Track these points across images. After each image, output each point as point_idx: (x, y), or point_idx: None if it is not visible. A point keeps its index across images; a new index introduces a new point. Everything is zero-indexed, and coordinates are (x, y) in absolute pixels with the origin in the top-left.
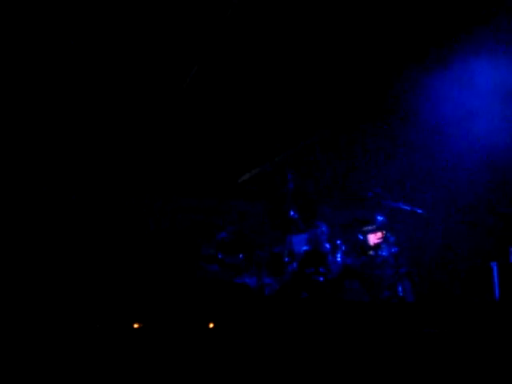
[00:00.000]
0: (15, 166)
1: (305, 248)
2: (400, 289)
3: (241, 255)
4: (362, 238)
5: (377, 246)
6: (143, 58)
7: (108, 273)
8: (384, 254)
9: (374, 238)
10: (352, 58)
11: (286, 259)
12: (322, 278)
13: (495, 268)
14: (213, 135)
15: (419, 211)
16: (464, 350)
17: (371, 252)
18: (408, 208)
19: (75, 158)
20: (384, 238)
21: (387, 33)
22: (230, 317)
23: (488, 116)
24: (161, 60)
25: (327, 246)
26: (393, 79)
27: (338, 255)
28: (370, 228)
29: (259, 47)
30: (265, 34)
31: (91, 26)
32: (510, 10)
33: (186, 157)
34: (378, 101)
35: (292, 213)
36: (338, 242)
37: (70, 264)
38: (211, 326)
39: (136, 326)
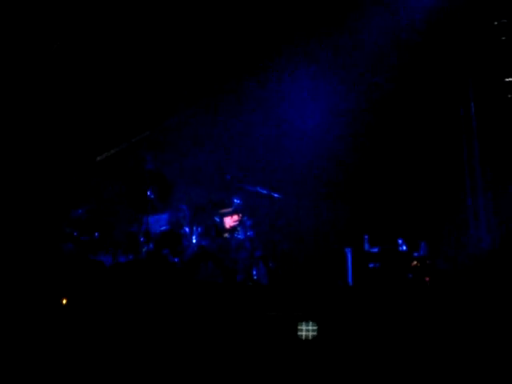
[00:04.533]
0: None
1: (162, 229)
2: (255, 272)
3: (96, 234)
4: (218, 220)
5: (233, 229)
6: None
7: None
8: (240, 237)
9: (230, 221)
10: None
11: (142, 239)
12: (177, 259)
13: (349, 254)
14: (72, 112)
15: (276, 195)
16: (320, 332)
17: (227, 235)
18: (265, 192)
19: None
20: (240, 222)
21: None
22: (86, 293)
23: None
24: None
25: (187, 228)
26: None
27: (194, 237)
28: (226, 211)
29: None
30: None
31: None
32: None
33: (44, 132)
34: (232, 86)
35: (149, 193)
36: (195, 223)
37: None
38: (64, 301)
39: None
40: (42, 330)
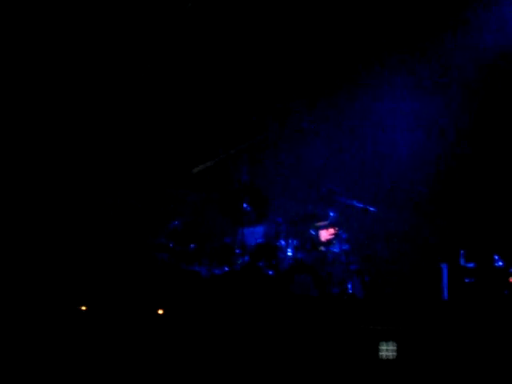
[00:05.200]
0: None
1: (258, 241)
2: (350, 286)
3: (192, 245)
4: (314, 233)
5: (328, 242)
6: None
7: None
8: (335, 250)
9: (326, 234)
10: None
11: (237, 251)
12: (272, 272)
13: (445, 269)
14: (168, 124)
15: (372, 209)
16: (410, 347)
17: (323, 248)
18: (361, 205)
19: None
20: (336, 235)
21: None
22: (180, 303)
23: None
24: None
25: (283, 241)
26: (348, 79)
27: (290, 250)
28: (322, 224)
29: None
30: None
31: None
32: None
33: (141, 145)
34: (333, 98)
35: (245, 205)
36: (291, 236)
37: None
38: (160, 312)
39: (83, 308)
40: (140, 340)
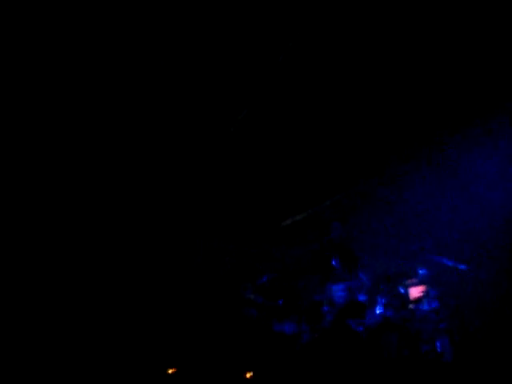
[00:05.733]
0: None
1: (344, 297)
2: (439, 345)
3: (280, 301)
4: (403, 291)
5: (418, 300)
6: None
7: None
8: (425, 308)
9: (415, 292)
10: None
11: (326, 308)
12: (360, 329)
13: None
14: (258, 179)
15: (462, 267)
16: None
17: (412, 306)
18: (451, 263)
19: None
20: (425, 293)
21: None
22: (266, 366)
23: None
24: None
25: (365, 297)
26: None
27: (378, 307)
28: (411, 281)
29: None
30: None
31: None
32: None
33: (229, 200)
34: (422, 154)
35: (334, 261)
36: (379, 293)
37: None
38: (248, 375)
39: (170, 371)
40: None
